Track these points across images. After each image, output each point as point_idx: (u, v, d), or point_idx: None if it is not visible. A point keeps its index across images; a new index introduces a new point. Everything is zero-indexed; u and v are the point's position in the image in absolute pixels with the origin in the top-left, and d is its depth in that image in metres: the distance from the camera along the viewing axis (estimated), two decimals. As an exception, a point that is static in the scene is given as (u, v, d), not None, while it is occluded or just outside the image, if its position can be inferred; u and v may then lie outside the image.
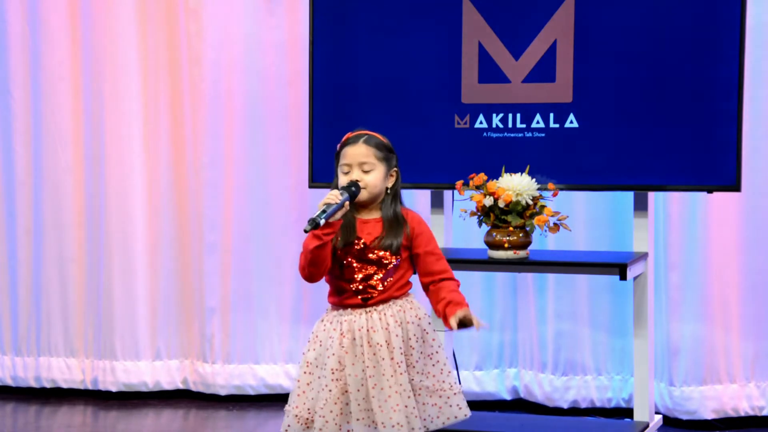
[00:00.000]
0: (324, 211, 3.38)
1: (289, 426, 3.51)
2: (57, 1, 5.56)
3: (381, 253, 3.49)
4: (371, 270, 3.50)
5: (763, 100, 4.89)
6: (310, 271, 3.49)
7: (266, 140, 5.46)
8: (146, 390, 5.60)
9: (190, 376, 5.62)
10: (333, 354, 3.47)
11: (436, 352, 3.50)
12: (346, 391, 3.45)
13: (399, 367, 3.42)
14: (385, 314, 3.47)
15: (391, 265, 3.50)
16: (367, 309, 3.48)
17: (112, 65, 5.51)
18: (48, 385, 5.71)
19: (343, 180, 3.52)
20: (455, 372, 3.56)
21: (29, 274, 5.69)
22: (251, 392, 5.55)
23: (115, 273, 5.55)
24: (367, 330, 3.45)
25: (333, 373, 3.45)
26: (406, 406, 3.41)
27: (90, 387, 5.66)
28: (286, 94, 5.44)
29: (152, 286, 5.59)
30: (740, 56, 4.33)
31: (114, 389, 5.60)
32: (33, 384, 5.73)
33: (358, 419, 3.43)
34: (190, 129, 5.51)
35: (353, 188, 3.47)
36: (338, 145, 3.57)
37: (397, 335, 3.45)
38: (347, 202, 3.43)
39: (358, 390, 3.43)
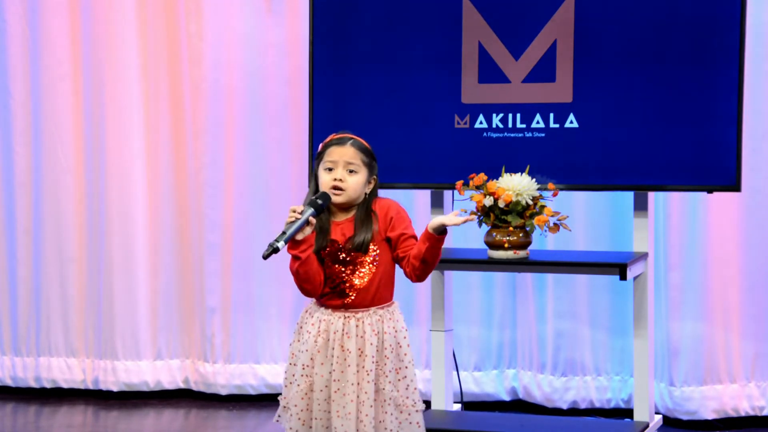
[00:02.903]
0: (284, 233, 3.37)
1: (279, 416, 3.56)
2: (57, 1, 5.56)
3: (354, 253, 3.48)
4: (348, 270, 3.49)
5: (763, 100, 4.89)
6: (306, 288, 3.51)
7: (266, 140, 5.47)
8: (147, 390, 5.61)
9: (191, 376, 5.63)
10: (306, 350, 3.48)
11: (406, 368, 3.50)
12: (313, 389, 3.46)
13: (368, 375, 3.42)
14: (363, 322, 3.46)
15: (366, 264, 3.48)
16: (347, 314, 3.48)
17: (112, 65, 5.51)
18: (48, 385, 5.71)
19: (326, 179, 3.49)
20: (417, 388, 3.54)
21: (29, 274, 5.69)
22: (252, 392, 5.55)
23: (115, 273, 5.55)
24: (342, 335, 3.46)
25: (303, 368, 3.47)
26: (366, 415, 3.41)
27: (91, 387, 5.66)
28: (286, 94, 5.44)
29: (153, 285, 5.60)
30: (740, 56, 4.33)
31: (115, 389, 5.60)
32: (33, 384, 5.73)
33: (316, 418, 3.45)
34: (190, 129, 5.52)
35: (319, 201, 3.44)
36: (321, 146, 3.57)
37: (371, 344, 3.44)
38: (312, 218, 3.41)
39: (321, 391, 3.44)
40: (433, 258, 3.42)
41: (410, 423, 3.48)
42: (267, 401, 5.52)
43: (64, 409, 5.50)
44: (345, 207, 3.52)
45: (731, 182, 4.36)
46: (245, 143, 5.48)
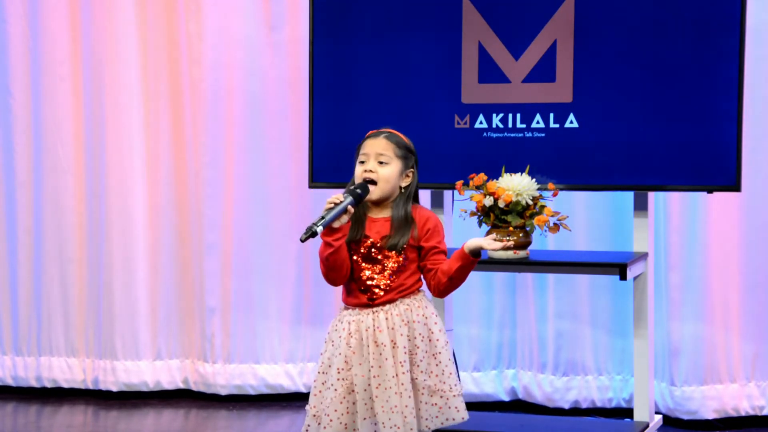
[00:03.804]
0: (322, 218, 3.37)
1: (309, 426, 3.54)
2: (57, 1, 5.56)
3: (387, 253, 3.49)
4: (377, 269, 3.50)
5: (763, 100, 4.89)
6: (331, 276, 3.51)
7: (266, 140, 5.47)
8: (147, 390, 5.61)
9: (191, 376, 5.63)
10: (340, 353, 3.48)
11: (440, 353, 3.50)
12: (353, 391, 3.46)
13: (402, 366, 3.43)
14: (391, 313, 3.47)
15: (397, 265, 3.50)
16: (374, 309, 3.48)
17: (113, 65, 5.51)
18: (49, 385, 5.72)
19: (358, 171, 3.51)
20: (457, 373, 3.55)
21: (30, 274, 5.69)
22: (252, 392, 5.55)
23: (115, 273, 5.55)
24: (374, 330, 3.46)
25: (339, 372, 3.46)
26: (406, 406, 3.42)
27: (91, 387, 5.67)
28: (286, 94, 5.44)
29: (153, 285, 5.60)
30: (740, 56, 4.33)
31: (115, 389, 5.60)
32: (34, 384, 5.73)
33: (364, 418, 3.45)
34: (190, 129, 5.51)
35: (359, 190, 3.45)
36: (361, 141, 3.58)
37: (402, 334, 3.45)
38: (351, 207, 3.42)
39: (365, 390, 3.44)
40: (461, 277, 3.45)
41: (450, 408, 3.48)
42: (267, 401, 5.52)
43: (65, 408, 5.50)
44: (379, 202, 3.52)
45: (731, 182, 4.36)
46: (245, 143, 5.48)
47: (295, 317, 5.53)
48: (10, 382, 5.77)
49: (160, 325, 5.61)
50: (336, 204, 3.40)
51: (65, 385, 5.70)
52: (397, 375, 3.43)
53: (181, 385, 5.65)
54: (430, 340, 3.49)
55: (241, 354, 5.54)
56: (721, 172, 4.36)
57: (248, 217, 5.50)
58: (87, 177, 5.62)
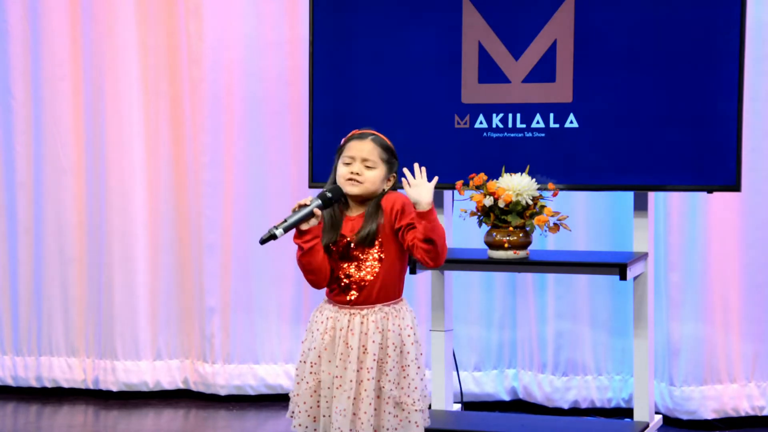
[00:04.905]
0: (285, 221, 3.37)
1: (293, 412, 3.56)
2: (57, 1, 5.57)
3: (363, 248, 3.48)
4: (353, 266, 3.49)
5: (763, 100, 4.89)
6: (310, 279, 3.52)
7: (266, 140, 5.47)
8: (147, 390, 5.61)
9: (191, 376, 5.63)
10: (314, 348, 3.50)
11: (408, 365, 3.49)
12: (320, 385, 3.48)
13: (368, 373, 3.43)
14: (367, 319, 3.47)
15: (371, 259, 3.48)
16: (352, 311, 3.48)
17: (112, 65, 5.52)
18: (49, 385, 5.72)
19: (342, 171, 3.50)
20: (424, 386, 3.54)
21: (30, 274, 5.69)
22: (251, 392, 5.55)
23: (115, 273, 5.56)
24: (347, 331, 3.46)
25: (311, 366, 3.49)
26: (365, 413, 3.42)
27: (91, 387, 5.67)
28: (286, 94, 5.44)
29: (153, 285, 5.60)
30: (740, 56, 4.33)
31: (115, 389, 5.60)
32: (34, 384, 5.73)
33: (324, 416, 3.46)
34: (190, 129, 5.52)
35: (329, 194, 3.45)
36: (343, 140, 3.57)
37: (374, 341, 3.45)
38: (318, 210, 3.42)
39: (329, 388, 3.46)
40: (433, 234, 3.36)
41: (409, 422, 3.49)
42: (266, 401, 5.52)
43: (65, 408, 5.50)
44: (361, 200, 3.52)
45: (731, 182, 4.36)
46: (245, 143, 5.48)
47: (294, 317, 5.53)
48: (10, 382, 5.77)
49: (160, 325, 5.62)
50: (303, 206, 3.41)
51: (65, 385, 5.70)
52: (360, 381, 3.43)
53: (181, 385, 5.65)
54: (401, 352, 3.49)
55: (240, 354, 5.54)
56: (721, 172, 4.37)
57: (248, 217, 5.50)
58: (87, 177, 5.62)
